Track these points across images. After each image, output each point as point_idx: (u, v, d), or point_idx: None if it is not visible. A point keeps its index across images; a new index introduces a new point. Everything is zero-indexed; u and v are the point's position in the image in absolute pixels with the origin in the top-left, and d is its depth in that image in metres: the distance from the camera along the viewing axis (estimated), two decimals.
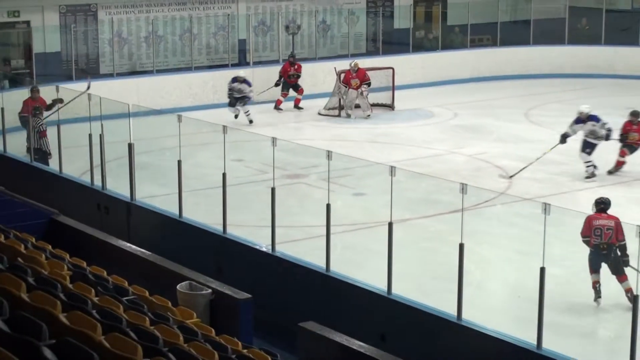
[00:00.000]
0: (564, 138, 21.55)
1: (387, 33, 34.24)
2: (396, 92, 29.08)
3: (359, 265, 14.46)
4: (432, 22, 36.72)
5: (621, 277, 13.74)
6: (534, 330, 11.26)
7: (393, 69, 29.21)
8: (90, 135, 17.65)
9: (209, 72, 30.05)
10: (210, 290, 12.45)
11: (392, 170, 12.64)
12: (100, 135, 17.39)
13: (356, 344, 11.09)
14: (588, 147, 21.09)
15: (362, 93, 27.74)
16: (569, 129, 21.50)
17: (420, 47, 34.82)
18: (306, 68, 29.70)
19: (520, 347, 11.34)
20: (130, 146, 16.99)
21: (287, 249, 14.53)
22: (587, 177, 20.84)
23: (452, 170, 20.96)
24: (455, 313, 11.99)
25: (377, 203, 14.90)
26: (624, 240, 13.88)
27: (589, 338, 13.23)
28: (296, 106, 28.79)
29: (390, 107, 28.85)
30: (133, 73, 29.71)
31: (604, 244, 13.96)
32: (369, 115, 27.77)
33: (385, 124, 27.04)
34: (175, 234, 15.99)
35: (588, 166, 21.03)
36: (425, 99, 30.27)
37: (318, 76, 30.05)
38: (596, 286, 13.87)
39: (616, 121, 21.89)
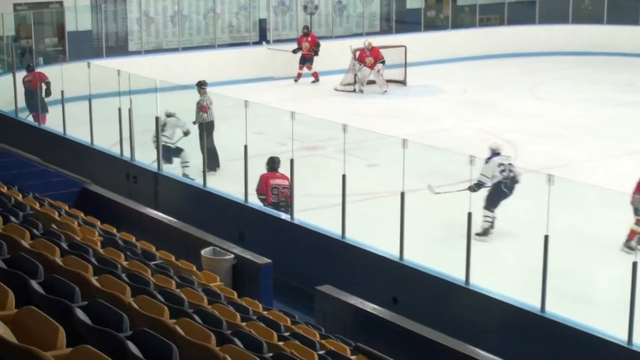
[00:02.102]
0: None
1: (400, 13, 34.10)
2: (408, 69, 29.02)
3: (373, 232, 14.44)
4: (442, 2, 36.52)
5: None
6: (538, 294, 11.26)
7: (405, 47, 29.12)
8: (119, 109, 17.67)
9: (231, 49, 29.98)
10: (232, 256, 12.49)
11: (404, 142, 12.64)
12: (129, 109, 17.40)
13: (370, 307, 11.13)
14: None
15: (378, 71, 27.68)
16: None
17: (431, 26, 34.66)
18: (324, 46, 29.57)
19: (524, 310, 11.35)
20: (157, 119, 17.00)
21: (305, 217, 14.54)
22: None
23: (461, 143, 20.89)
24: (463, 278, 12.00)
25: (390, 174, 14.87)
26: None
27: (589, 303, 13.21)
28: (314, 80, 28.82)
29: (403, 83, 28.78)
30: (160, 50, 29.67)
31: (282, 202, 15.16)
32: (385, 92, 27.71)
33: (397, 99, 26.97)
34: (200, 202, 16.03)
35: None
36: (436, 75, 30.17)
37: (334, 54, 29.93)
38: None
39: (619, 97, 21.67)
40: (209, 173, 17.94)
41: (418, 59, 30.52)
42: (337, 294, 11.53)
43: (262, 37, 31.41)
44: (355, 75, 27.91)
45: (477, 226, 12.89)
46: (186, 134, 18.53)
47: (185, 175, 17.84)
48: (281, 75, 29.16)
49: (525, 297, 11.56)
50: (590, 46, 33.58)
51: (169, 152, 18.26)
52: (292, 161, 14.43)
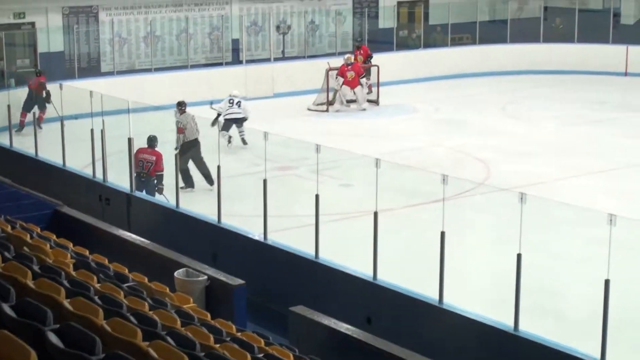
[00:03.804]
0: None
1: (372, 32, 34.20)
2: (381, 88, 29.11)
3: (347, 252, 14.47)
4: (414, 21, 36.68)
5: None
6: (512, 312, 11.29)
7: (378, 66, 29.21)
8: (92, 130, 17.63)
9: (204, 70, 29.99)
10: (205, 277, 12.46)
11: (377, 162, 12.66)
12: (101, 130, 17.37)
13: (344, 327, 11.11)
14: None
15: (365, 84, 27.78)
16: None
17: (403, 45, 34.81)
18: (296, 66, 29.67)
19: (498, 328, 11.37)
20: (130, 140, 16.97)
21: (279, 237, 14.53)
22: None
23: (434, 162, 20.98)
24: (437, 297, 12.02)
25: (363, 193, 14.92)
26: (161, 172, 17.16)
27: (563, 320, 13.26)
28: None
29: (376, 102, 28.85)
30: (132, 71, 29.65)
31: (143, 173, 17.10)
32: (364, 109, 27.80)
33: (370, 119, 27.04)
34: (173, 223, 15.99)
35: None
36: (409, 94, 30.27)
37: (307, 73, 30.00)
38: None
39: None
40: (186, 191, 17.96)
41: (390, 78, 30.61)
42: (310, 314, 11.52)
43: (235, 58, 31.45)
44: (336, 92, 27.94)
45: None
46: None
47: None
48: (254, 95, 29.18)
49: (499, 315, 11.58)
50: (562, 65, 33.80)
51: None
52: (265, 181, 14.43)
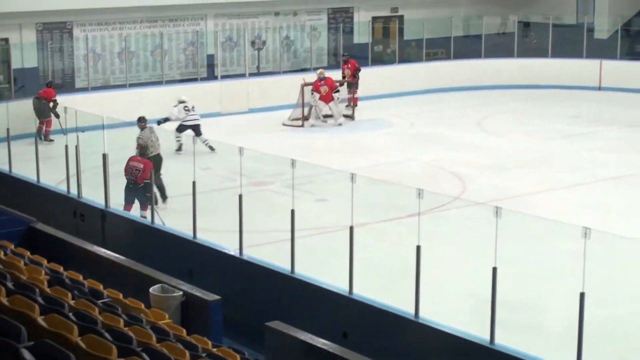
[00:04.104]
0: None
1: (347, 47, 34.27)
2: (357, 103, 29.17)
3: (323, 267, 14.47)
4: (389, 37, 36.82)
5: (144, 207, 17.17)
6: (487, 326, 11.31)
7: (341, 82, 29.26)
8: (66, 146, 17.57)
9: (179, 86, 29.96)
10: (181, 293, 12.42)
11: (353, 177, 12.68)
12: (76, 146, 17.32)
13: (320, 342, 11.09)
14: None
15: (334, 100, 27.83)
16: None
17: (378, 60, 34.90)
18: (271, 81, 29.72)
19: (474, 342, 11.39)
20: (104, 156, 16.93)
21: (254, 253, 14.52)
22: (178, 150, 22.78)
23: (410, 176, 21.02)
24: (413, 311, 12.03)
25: (338, 208, 14.93)
26: (149, 180, 16.90)
27: (538, 333, 13.30)
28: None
29: (351, 117, 28.89)
30: (107, 87, 29.59)
31: (132, 180, 17.30)
32: (340, 124, 27.84)
33: (346, 134, 27.07)
34: (148, 239, 15.94)
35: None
36: (384, 109, 30.33)
37: (283, 89, 30.03)
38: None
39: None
40: (161, 207, 17.93)
41: (366, 93, 30.68)
42: (286, 329, 11.49)
43: (210, 73, 31.45)
44: (311, 107, 27.96)
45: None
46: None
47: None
48: (229, 111, 29.19)
49: (475, 329, 11.60)
50: (536, 79, 33.98)
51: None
52: (240, 197, 14.42)
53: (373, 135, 26.91)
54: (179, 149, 22.76)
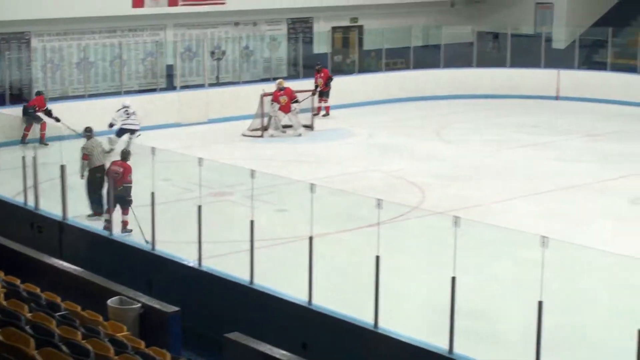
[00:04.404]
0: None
1: (307, 57, 34.33)
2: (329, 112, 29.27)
3: (282, 277, 14.46)
4: (349, 47, 36.92)
5: (124, 211, 17.35)
6: (446, 335, 11.36)
7: (313, 91, 29.31)
8: (23, 158, 17.46)
9: (138, 96, 29.84)
10: (139, 305, 12.37)
11: (312, 187, 12.69)
12: (33, 157, 17.21)
13: (279, 353, 11.09)
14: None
15: (293, 110, 27.84)
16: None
17: (338, 70, 34.96)
18: (230, 91, 29.71)
19: (433, 352, 11.43)
20: (62, 168, 16.84)
21: (214, 264, 14.49)
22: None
23: (369, 186, 21.08)
24: (372, 321, 12.05)
25: (298, 219, 14.94)
26: (129, 184, 17.37)
27: (497, 342, 13.36)
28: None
29: (311, 127, 28.91)
30: (65, 97, 29.42)
31: (112, 184, 17.17)
32: (300, 134, 27.85)
33: (306, 144, 27.08)
34: (107, 251, 15.86)
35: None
36: (344, 119, 30.38)
37: (242, 99, 30.00)
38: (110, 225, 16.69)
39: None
40: (94, 218, 17.84)
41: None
42: (245, 340, 11.47)
43: (169, 84, 31.38)
44: (271, 118, 27.95)
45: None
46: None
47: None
48: (188, 121, 29.12)
49: (434, 338, 11.64)
50: (495, 89, 34.21)
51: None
52: (199, 208, 14.39)
53: (333, 145, 26.94)
54: (109, 151, 22.85)
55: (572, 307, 14.15)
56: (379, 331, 11.98)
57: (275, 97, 27.79)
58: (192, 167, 15.86)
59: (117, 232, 16.58)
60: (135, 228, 16.93)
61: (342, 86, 32.92)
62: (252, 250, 13.56)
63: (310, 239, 12.82)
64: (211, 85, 31.25)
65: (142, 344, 10.30)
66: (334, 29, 36.48)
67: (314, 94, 29.85)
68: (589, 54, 36.08)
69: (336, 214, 17.91)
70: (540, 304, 10.76)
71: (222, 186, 20.03)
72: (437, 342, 11.50)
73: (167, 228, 16.67)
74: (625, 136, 27.92)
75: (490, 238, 16.20)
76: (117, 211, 17.36)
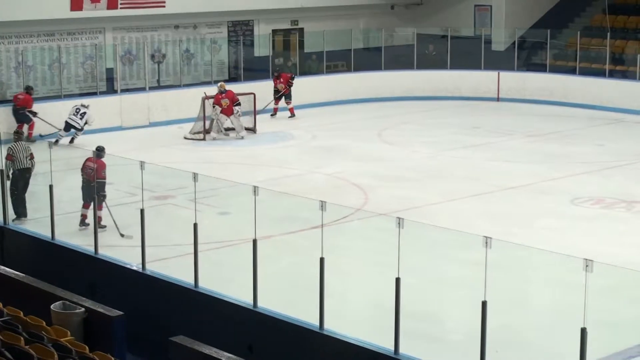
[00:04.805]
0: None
1: (248, 60, 34.28)
2: (258, 116, 29.16)
3: (227, 280, 14.44)
4: (290, 49, 36.92)
5: (99, 206, 17.18)
6: (392, 336, 11.40)
7: (254, 94, 29.25)
8: None
9: (78, 100, 29.56)
10: (83, 309, 12.28)
11: (255, 189, 12.69)
12: None
13: (225, 356, 11.07)
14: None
15: (236, 112, 27.79)
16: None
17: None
18: (171, 95, 29.58)
19: (378, 352, 11.47)
20: (1, 172, 16.66)
21: (158, 267, 14.43)
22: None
23: (312, 188, 21.10)
24: (317, 323, 12.06)
25: (242, 221, 14.92)
26: (102, 180, 17.51)
27: (442, 343, 13.43)
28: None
29: (253, 130, 28.87)
30: (3, 102, 29.09)
31: (86, 179, 17.68)
32: (242, 137, 27.80)
33: (248, 147, 27.05)
34: (49, 255, 15.73)
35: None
36: (286, 122, 30.39)
37: (184, 102, 29.89)
38: (84, 220, 17.54)
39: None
40: (17, 221, 17.68)
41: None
42: (191, 344, 11.44)
43: (110, 87, 31.17)
44: (213, 120, 27.87)
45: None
46: None
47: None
48: (129, 125, 28.95)
49: (379, 339, 11.68)
50: (436, 91, 34.41)
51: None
52: (142, 211, 14.33)
53: (275, 147, 26.93)
54: (56, 142, 25.01)
55: (516, 307, 14.27)
56: (325, 333, 12.01)
57: (217, 100, 27.74)
58: (134, 170, 15.75)
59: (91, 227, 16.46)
60: (109, 223, 17.13)
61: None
62: (196, 254, 13.53)
63: (254, 241, 12.83)
64: (152, 88, 31.08)
65: (86, 349, 10.24)
66: (275, 31, 36.46)
67: (277, 100, 30.83)
68: (528, 55, 36.43)
69: (280, 217, 17.91)
70: (484, 304, 10.85)
71: (164, 189, 19.94)
72: (383, 343, 11.55)
73: (110, 232, 16.58)
74: (565, 137, 28.21)
75: (434, 239, 16.27)
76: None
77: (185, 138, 27.80)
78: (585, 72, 33.99)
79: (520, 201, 20.93)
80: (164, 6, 32.37)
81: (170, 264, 15.17)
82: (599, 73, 33.66)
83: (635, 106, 31.24)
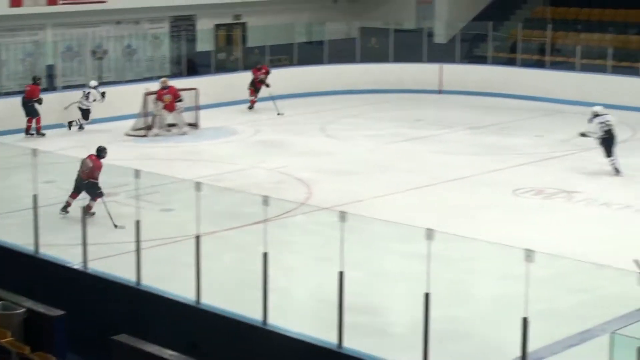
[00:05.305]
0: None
1: (190, 55, 34.14)
2: (200, 112, 29.03)
3: (170, 277, 14.36)
4: (233, 44, 36.84)
5: (93, 198, 18.05)
6: (335, 330, 11.40)
7: (197, 89, 29.13)
8: None
9: (18, 98, 29.24)
10: (24, 309, 12.14)
11: (198, 185, 12.63)
12: None
13: (167, 354, 10.98)
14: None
15: (177, 109, 27.67)
16: None
17: (222, 68, 34.87)
18: (114, 91, 29.37)
19: (322, 347, 11.47)
20: None
21: (99, 266, 14.32)
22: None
23: (255, 183, 21.06)
24: (261, 318, 12.04)
25: (184, 217, 14.85)
26: (95, 181, 18.10)
27: (385, 336, 13.47)
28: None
29: (195, 125, 28.73)
30: None
31: (79, 176, 18.17)
32: (185, 133, 27.69)
33: (191, 142, 26.94)
34: None
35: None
36: (228, 117, 30.30)
37: (126, 98, 29.66)
38: (67, 207, 18.31)
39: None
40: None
41: (209, 101, 30.50)
42: (134, 342, 11.34)
43: (50, 84, 30.86)
44: (155, 117, 27.70)
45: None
46: None
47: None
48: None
49: (323, 334, 11.68)
50: (378, 84, 34.48)
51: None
52: (83, 209, 14.21)
53: (218, 143, 26.85)
54: (71, 126, 28.22)
55: (458, 298, 14.35)
56: (268, 328, 11.98)
57: (159, 96, 27.60)
58: (76, 168, 15.65)
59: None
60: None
61: (226, 84, 32.85)
62: (139, 251, 13.44)
63: (197, 237, 12.76)
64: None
65: (28, 349, 10.14)
66: (217, 26, 36.35)
67: (267, 86, 31.41)
68: (470, 48, 36.63)
69: (223, 212, 17.87)
70: (427, 296, 10.89)
71: (106, 187, 19.76)
72: (327, 337, 11.54)
73: (51, 230, 16.43)
74: (506, 128, 28.43)
75: (377, 232, 16.32)
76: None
77: (127, 135, 27.62)
78: (526, 64, 34.32)
79: (463, 193, 21.07)
80: (105, 1, 32.15)
81: (112, 262, 15.07)
82: (540, 65, 33.97)
83: (574, 97, 31.53)
